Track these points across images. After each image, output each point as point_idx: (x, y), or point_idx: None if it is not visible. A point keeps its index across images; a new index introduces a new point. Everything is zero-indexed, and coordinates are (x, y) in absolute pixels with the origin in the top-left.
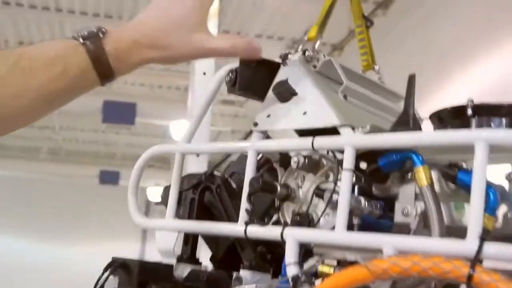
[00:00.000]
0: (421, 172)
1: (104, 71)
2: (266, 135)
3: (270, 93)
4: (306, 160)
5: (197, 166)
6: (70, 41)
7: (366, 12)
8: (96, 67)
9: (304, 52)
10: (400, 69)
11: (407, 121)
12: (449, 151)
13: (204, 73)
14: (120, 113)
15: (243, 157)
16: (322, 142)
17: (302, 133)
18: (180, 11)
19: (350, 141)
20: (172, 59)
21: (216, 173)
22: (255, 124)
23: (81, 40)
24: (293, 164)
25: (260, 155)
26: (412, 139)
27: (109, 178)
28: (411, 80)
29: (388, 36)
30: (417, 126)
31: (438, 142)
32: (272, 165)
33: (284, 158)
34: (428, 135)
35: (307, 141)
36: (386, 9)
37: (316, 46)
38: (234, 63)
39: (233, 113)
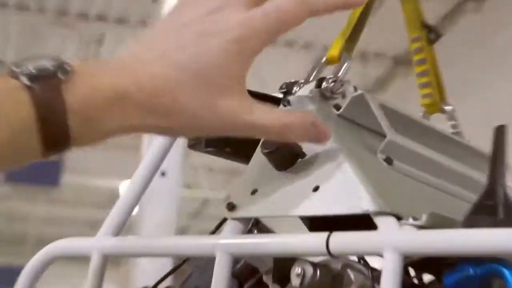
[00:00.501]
0: None
1: (54, 135)
2: (250, 225)
3: (259, 153)
4: (318, 271)
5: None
6: (7, 80)
7: (434, 17)
8: (42, 128)
9: (319, 83)
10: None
11: (492, 207)
12: None
13: None
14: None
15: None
16: (345, 241)
17: (313, 222)
18: (205, 54)
19: (393, 241)
20: (182, 133)
21: None
22: (231, 206)
23: (25, 80)
24: (294, 279)
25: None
26: (501, 241)
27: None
28: (500, 134)
29: (483, 47)
30: (511, 216)
31: None
32: (261, 278)
33: (281, 268)
34: None
35: (317, 240)
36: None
37: (341, 72)
38: None
39: (229, 168)
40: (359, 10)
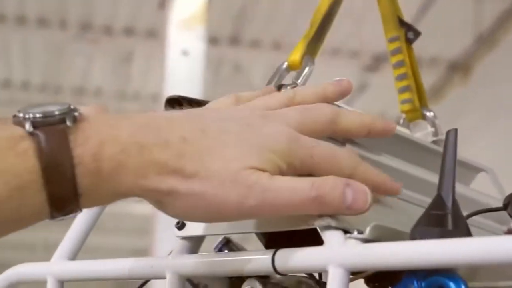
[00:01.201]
0: None
1: (60, 191)
2: (220, 244)
3: None
4: None
5: None
6: (9, 128)
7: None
8: (47, 182)
9: (278, 90)
10: None
11: (441, 217)
12: None
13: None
14: None
15: None
16: (291, 258)
17: (269, 239)
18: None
19: (337, 256)
20: (206, 201)
21: None
22: (180, 225)
23: (28, 126)
24: None
25: None
26: (447, 253)
27: None
28: (451, 139)
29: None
30: (460, 226)
31: (497, 257)
32: None
33: (238, 286)
34: (478, 243)
35: (264, 258)
36: None
37: (301, 78)
38: None
39: None
40: (323, 10)
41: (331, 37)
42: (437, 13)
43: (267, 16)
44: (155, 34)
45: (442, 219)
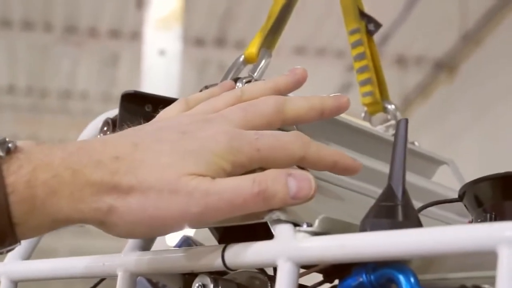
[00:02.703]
0: None
1: None
2: (153, 241)
3: None
4: (220, 286)
5: None
6: None
7: None
8: None
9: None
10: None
11: (391, 208)
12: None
13: None
14: None
15: (142, 284)
16: (241, 253)
17: (223, 234)
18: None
19: (285, 250)
20: (146, 214)
21: None
22: None
23: None
24: None
25: None
26: (396, 244)
27: None
28: (402, 128)
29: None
30: (410, 217)
31: (448, 247)
32: None
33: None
34: (427, 234)
35: (213, 253)
36: None
37: (258, 71)
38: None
39: None
40: (281, 2)
41: (316, 37)
42: (423, 12)
43: (251, 17)
44: (139, 36)
45: (393, 210)
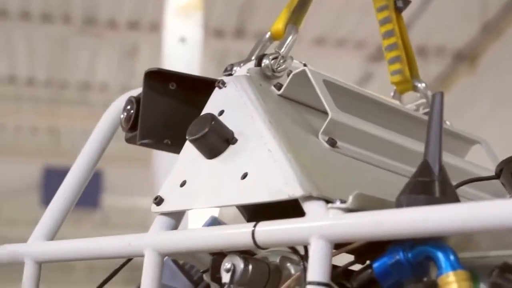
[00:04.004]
0: (453, 284)
1: None
2: (181, 219)
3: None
4: (250, 266)
5: None
6: None
7: None
8: None
9: (259, 61)
10: None
11: (427, 184)
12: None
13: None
14: None
15: (168, 266)
16: (271, 231)
17: (252, 211)
18: None
19: (318, 227)
20: None
21: None
22: (158, 200)
23: None
24: (224, 276)
25: None
26: (435, 221)
27: None
28: (437, 102)
29: None
30: (448, 193)
31: (489, 223)
32: None
33: (218, 266)
34: (467, 209)
35: (243, 231)
36: None
37: (285, 47)
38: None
39: None
40: None
41: (336, 29)
42: (443, 3)
43: (271, 8)
44: (159, 27)
45: (429, 186)
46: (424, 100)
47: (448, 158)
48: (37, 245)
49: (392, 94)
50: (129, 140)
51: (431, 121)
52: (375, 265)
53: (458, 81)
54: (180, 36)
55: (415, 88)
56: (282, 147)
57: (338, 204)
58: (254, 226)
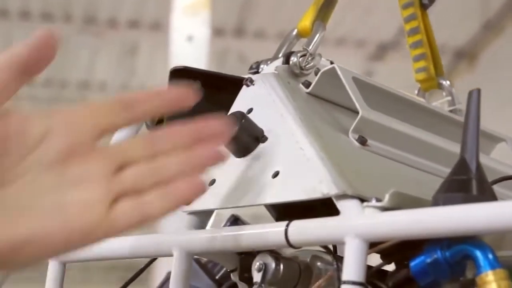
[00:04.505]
0: (492, 283)
1: None
2: (209, 218)
3: None
4: (282, 265)
5: None
6: None
7: None
8: None
9: (287, 59)
10: None
11: (464, 182)
12: None
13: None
14: None
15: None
16: (305, 230)
17: (282, 211)
18: None
19: (354, 226)
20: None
21: None
22: None
23: None
24: (256, 275)
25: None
26: (473, 219)
27: None
28: (474, 100)
29: None
30: (485, 191)
31: None
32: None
33: (247, 266)
34: (506, 207)
35: (276, 230)
36: None
37: (312, 45)
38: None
39: None
40: None
41: (336, 27)
42: (444, 1)
43: (271, 7)
44: (159, 26)
45: (467, 184)
46: (449, 98)
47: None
48: None
49: (416, 92)
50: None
51: (468, 118)
52: (413, 264)
53: (458, 78)
54: (188, 35)
55: (440, 86)
56: (314, 145)
57: (373, 202)
58: (287, 225)
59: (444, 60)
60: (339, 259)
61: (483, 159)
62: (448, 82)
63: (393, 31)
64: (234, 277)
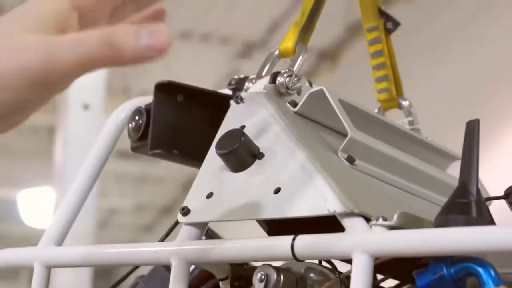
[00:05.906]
0: None
1: None
2: (205, 230)
3: (213, 154)
4: (282, 276)
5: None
6: None
7: None
8: None
9: (274, 78)
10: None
11: (465, 205)
12: None
13: (87, 107)
14: None
15: (159, 272)
16: (312, 245)
17: (271, 227)
18: None
19: (363, 242)
20: None
21: None
22: (185, 211)
23: None
24: (257, 285)
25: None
26: (475, 240)
27: None
28: (472, 128)
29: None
30: (484, 214)
31: None
32: (217, 283)
33: (240, 273)
34: (505, 231)
35: (282, 244)
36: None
37: (297, 66)
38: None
39: (140, 174)
40: None
41: (201, 23)
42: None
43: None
44: None
45: (467, 207)
46: (410, 118)
47: (432, 171)
48: (46, 250)
49: (376, 110)
50: (135, 150)
51: (469, 146)
52: (418, 279)
53: (320, 78)
54: None
55: (399, 106)
56: (315, 164)
57: (381, 221)
58: (293, 239)
59: (308, 61)
60: (339, 272)
61: (441, 175)
62: (407, 102)
63: (260, 30)
64: (223, 285)
